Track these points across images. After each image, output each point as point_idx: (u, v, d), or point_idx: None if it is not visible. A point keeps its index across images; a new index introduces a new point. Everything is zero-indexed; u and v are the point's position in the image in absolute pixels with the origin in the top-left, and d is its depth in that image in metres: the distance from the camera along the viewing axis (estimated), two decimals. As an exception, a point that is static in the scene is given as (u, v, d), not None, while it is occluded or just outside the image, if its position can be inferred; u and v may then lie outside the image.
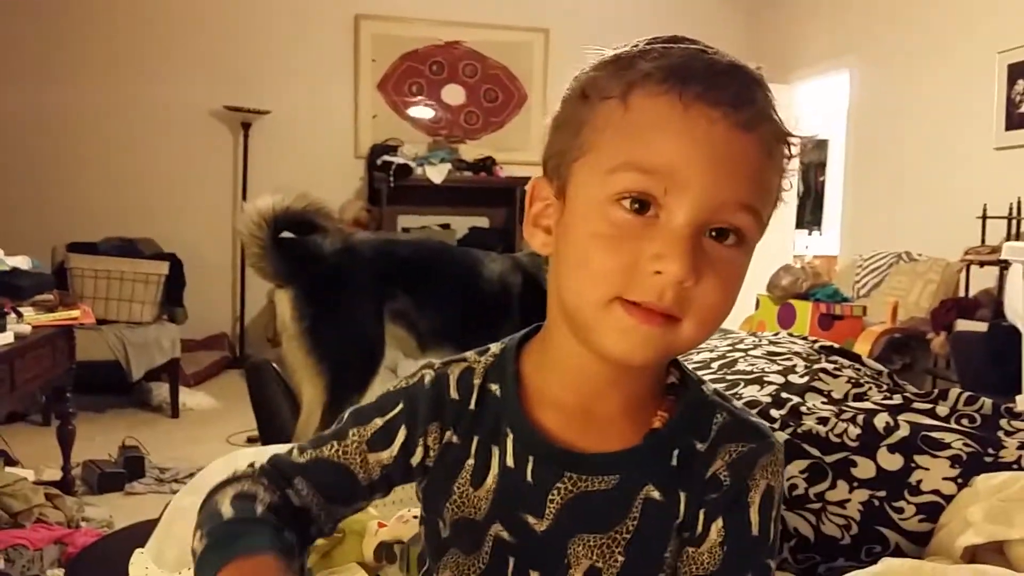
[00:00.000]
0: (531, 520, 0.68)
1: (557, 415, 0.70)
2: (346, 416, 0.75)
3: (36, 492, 2.81)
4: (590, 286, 0.63)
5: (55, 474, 3.23)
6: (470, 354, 0.75)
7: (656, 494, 0.67)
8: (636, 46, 0.66)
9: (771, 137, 0.64)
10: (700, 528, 0.67)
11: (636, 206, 0.61)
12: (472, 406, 0.71)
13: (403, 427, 0.72)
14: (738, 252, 0.64)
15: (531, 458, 0.68)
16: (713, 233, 0.62)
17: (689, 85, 0.61)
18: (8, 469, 3.08)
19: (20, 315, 2.80)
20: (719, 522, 0.67)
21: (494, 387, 0.72)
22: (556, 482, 0.67)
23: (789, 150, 0.66)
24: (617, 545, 0.67)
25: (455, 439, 0.71)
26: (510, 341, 0.75)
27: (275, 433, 2.45)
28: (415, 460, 0.72)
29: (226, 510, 0.68)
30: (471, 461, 0.70)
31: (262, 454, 1.79)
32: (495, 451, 0.70)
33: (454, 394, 0.72)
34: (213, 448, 3.51)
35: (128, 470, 3.36)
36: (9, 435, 3.51)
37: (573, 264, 0.64)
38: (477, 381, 0.72)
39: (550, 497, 0.67)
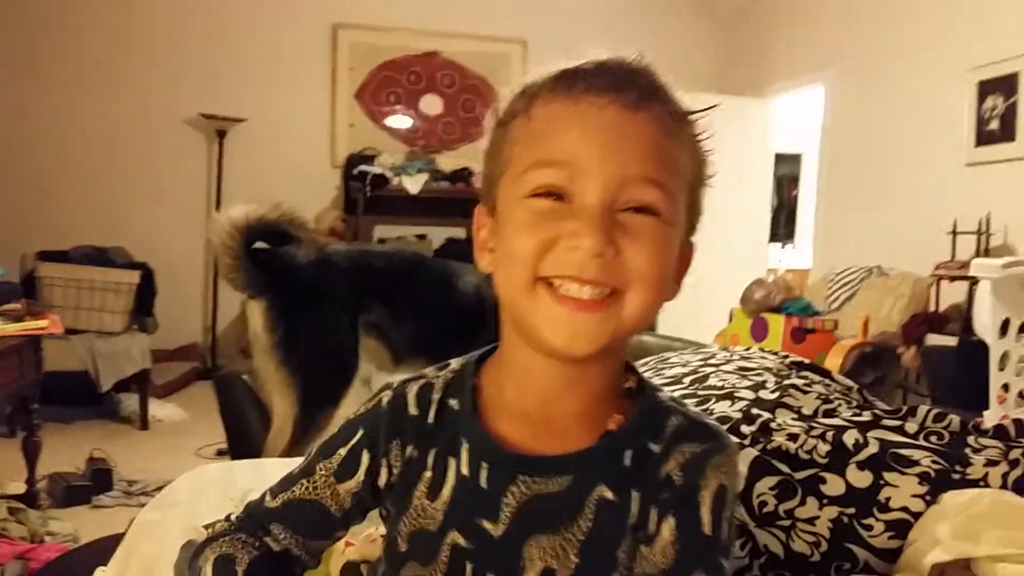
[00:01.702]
0: (487, 525, 0.69)
1: (515, 423, 0.72)
2: (314, 450, 0.77)
3: (-1, 506, 2.76)
4: (515, 270, 0.66)
5: (19, 487, 3.17)
6: (429, 370, 0.77)
7: (609, 494, 0.68)
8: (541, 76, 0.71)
9: (665, 115, 0.67)
10: (653, 527, 0.68)
11: (552, 196, 0.66)
12: (431, 420, 0.73)
13: (365, 452, 0.74)
14: (655, 221, 0.66)
15: (485, 465, 0.70)
16: (629, 210, 0.66)
17: (576, 83, 0.67)
18: (-29, 482, 3.02)
19: (-14, 325, 2.76)
20: (671, 521, 0.67)
21: (453, 402, 0.74)
22: (510, 486, 0.69)
23: (693, 128, 0.70)
24: (571, 546, 0.68)
25: (415, 453, 0.73)
26: (470, 357, 0.77)
27: (244, 446, 2.42)
28: (382, 481, 0.74)
29: None
30: (428, 473, 0.72)
31: (229, 470, 1.77)
32: (452, 462, 0.71)
33: (413, 410, 0.74)
34: (183, 461, 3.47)
35: (95, 483, 3.30)
36: (-27, 447, 3.45)
37: (503, 260, 0.69)
38: (436, 396, 0.74)
39: (504, 501, 0.69)
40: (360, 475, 0.73)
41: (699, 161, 0.71)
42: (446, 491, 0.71)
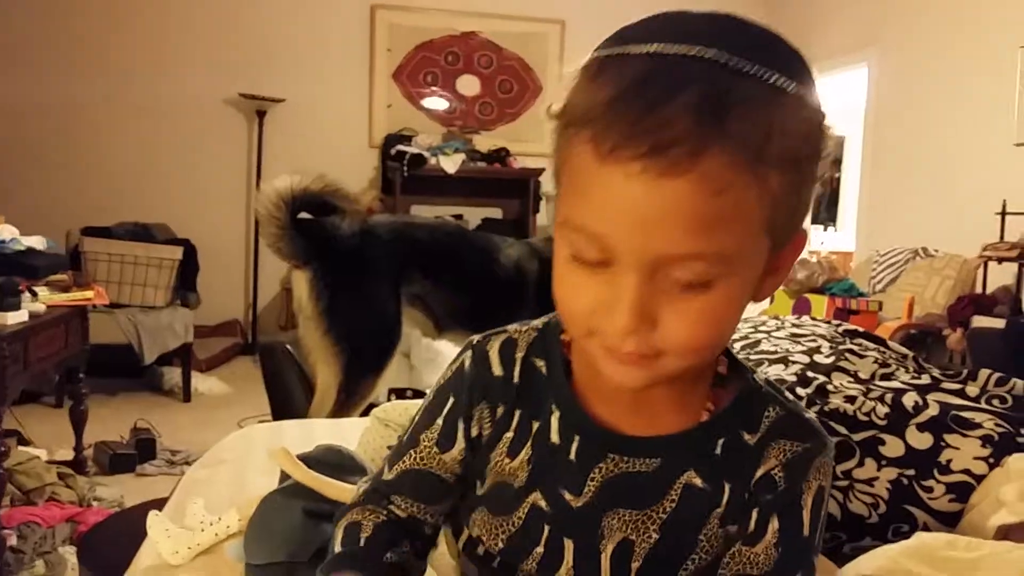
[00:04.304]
0: (568, 496, 0.69)
1: (604, 398, 0.70)
2: (416, 417, 0.76)
3: (49, 471, 2.82)
4: (568, 320, 0.63)
5: (67, 454, 3.24)
6: (512, 327, 0.75)
7: (698, 480, 0.67)
8: (628, 33, 0.61)
9: (719, 167, 0.53)
10: (754, 527, 0.67)
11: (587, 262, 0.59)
12: (516, 379, 0.71)
13: (460, 420, 0.72)
14: (702, 293, 0.57)
15: (577, 437, 0.69)
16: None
17: (607, 134, 0.54)
18: (21, 448, 3.09)
19: (35, 294, 2.80)
20: (775, 523, 0.66)
21: (539, 363, 0.72)
22: (599, 462, 0.68)
23: (776, 163, 0.56)
24: (652, 523, 0.67)
25: (500, 412, 0.72)
26: (552, 318, 0.74)
27: (288, 413, 2.44)
28: (481, 440, 0.73)
29: (336, 545, 0.73)
30: (510, 434, 0.71)
31: (277, 430, 1.78)
32: (535, 426, 0.70)
33: (497, 370, 0.72)
34: (224, 432, 3.46)
35: (139, 452, 3.36)
36: (23, 415, 3.52)
37: (555, 282, 0.63)
38: (520, 355, 0.72)
39: (591, 476, 0.68)
40: (460, 443, 0.72)
41: (796, 163, 0.57)
42: (524, 453, 0.70)
